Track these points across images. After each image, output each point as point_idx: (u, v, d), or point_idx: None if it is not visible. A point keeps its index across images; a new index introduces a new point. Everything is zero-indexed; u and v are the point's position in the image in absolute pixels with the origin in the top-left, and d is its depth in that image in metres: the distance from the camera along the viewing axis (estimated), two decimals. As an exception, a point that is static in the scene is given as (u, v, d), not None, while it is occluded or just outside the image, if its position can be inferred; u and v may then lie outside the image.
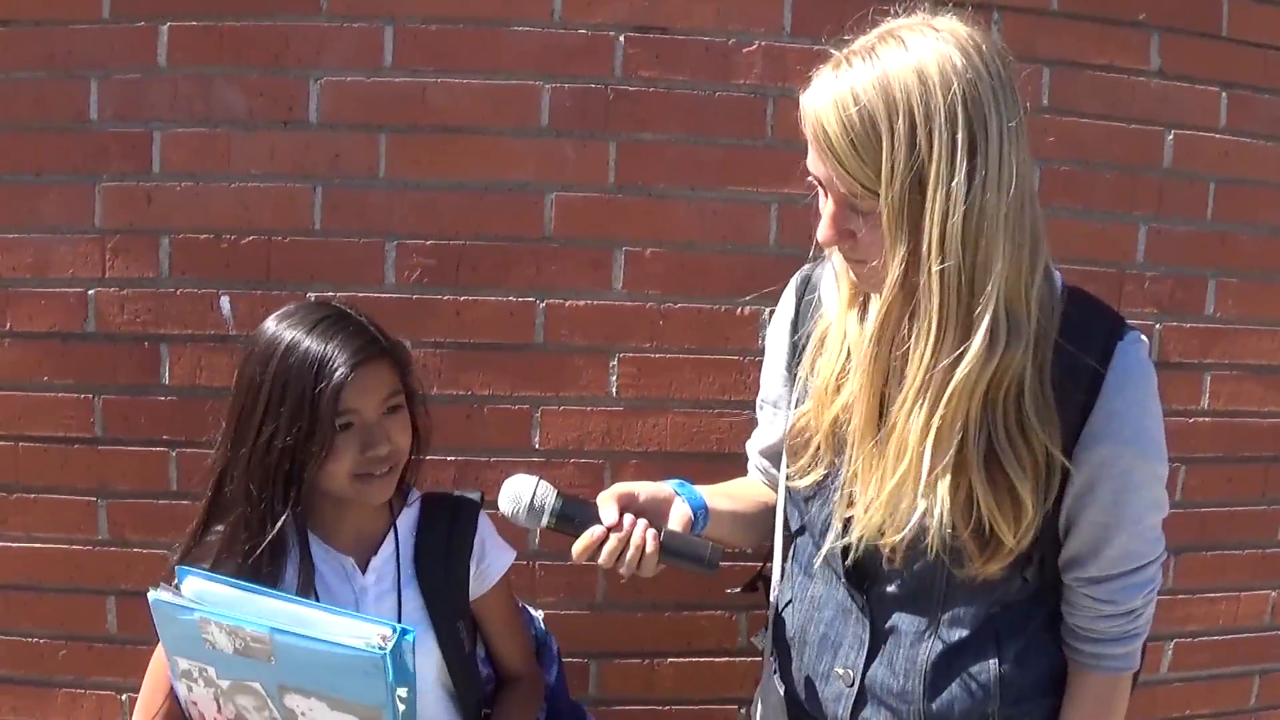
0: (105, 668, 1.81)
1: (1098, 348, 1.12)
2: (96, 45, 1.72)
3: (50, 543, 1.79)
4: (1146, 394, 1.14)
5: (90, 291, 1.75)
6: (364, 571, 1.37)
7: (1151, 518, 1.16)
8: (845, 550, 1.20)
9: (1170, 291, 1.89)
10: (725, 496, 1.36)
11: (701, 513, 1.28)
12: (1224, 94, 1.89)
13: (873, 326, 1.10)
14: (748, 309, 1.79)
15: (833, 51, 1.09)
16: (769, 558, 1.39)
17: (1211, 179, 1.90)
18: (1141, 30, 1.85)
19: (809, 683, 1.28)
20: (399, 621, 1.34)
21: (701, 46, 1.75)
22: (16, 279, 1.75)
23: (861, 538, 1.14)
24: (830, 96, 1.04)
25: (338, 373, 1.25)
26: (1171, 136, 1.88)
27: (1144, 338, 1.17)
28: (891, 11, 1.12)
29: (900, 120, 1.00)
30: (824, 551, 1.21)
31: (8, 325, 1.75)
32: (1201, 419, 1.93)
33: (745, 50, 1.75)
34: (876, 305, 1.15)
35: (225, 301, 1.74)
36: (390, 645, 1.11)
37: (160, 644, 1.26)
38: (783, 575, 1.36)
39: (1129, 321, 1.17)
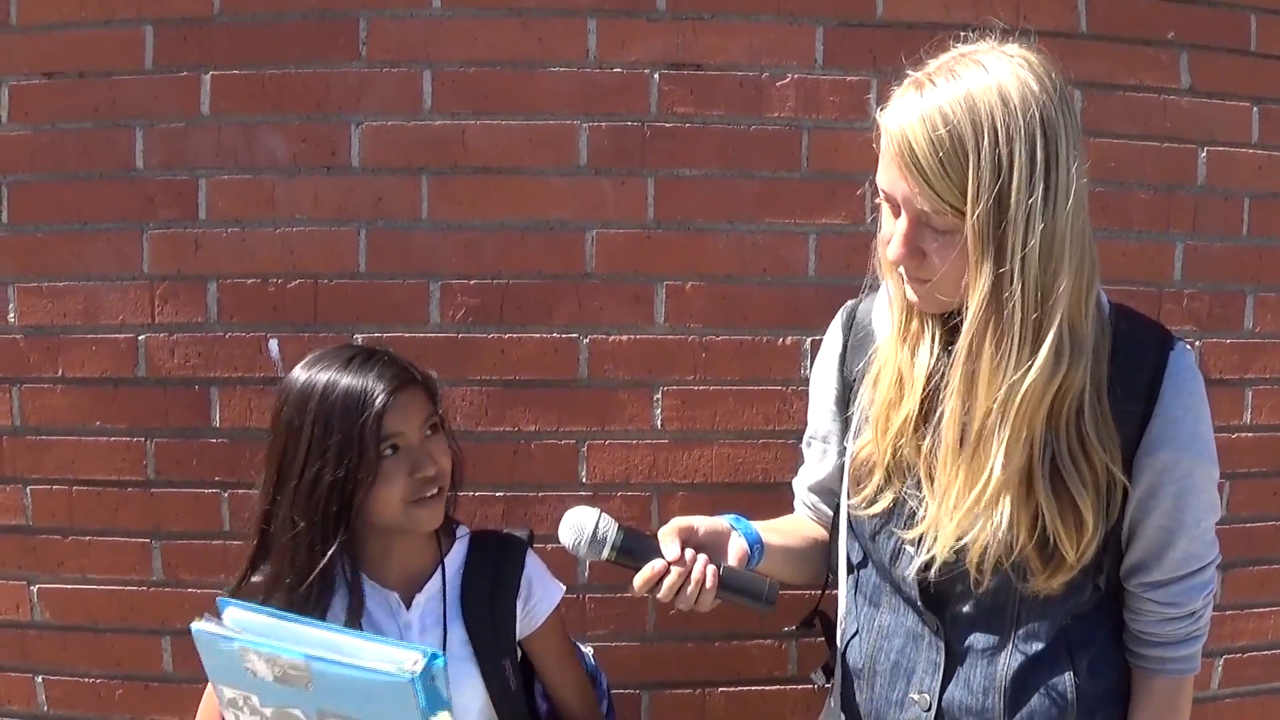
0: (161, 706, 1.83)
1: (1150, 360, 1.16)
2: (141, 95, 1.75)
3: (106, 584, 1.82)
4: (1200, 400, 1.18)
5: (140, 337, 1.78)
6: (408, 607, 1.38)
7: (1208, 520, 1.20)
8: (920, 576, 1.22)
9: (1209, 308, 1.89)
10: (776, 532, 1.38)
11: (757, 548, 1.29)
12: (1255, 109, 1.89)
13: (960, 347, 1.11)
14: (789, 339, 1.79)
15: (910, 73, 1.11)
16: (823, 591, 1.40)
17: (1246, 194, 1.90)
18: (1171, 49, 1.85)
19: (880, 713, 1.29)
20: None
21: (735, 82, 1.76)
22: (67, 326, 1.78)
23: (935, 554, 1.16)
24: (918, 114, 1.06)
25: (379, 399, 1.29)
26: (1204, 154, 1.88)
27: (1190, 347, 1.19)
28: (954, 39, 1.14)
29: (985, 139, 1.03)
30: (910, 573, 1.23)
31: (60, 371, 1.79)
32: (1245, 434, 1.92)
33: (778, 84, 1.77)
34: (926, 332, 1.17)
35: (274, 344, 1.77)
36: (419, 669, 1.10)
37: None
38: (846, 609, 1.36)
39: (1171, 336, 1.20)
